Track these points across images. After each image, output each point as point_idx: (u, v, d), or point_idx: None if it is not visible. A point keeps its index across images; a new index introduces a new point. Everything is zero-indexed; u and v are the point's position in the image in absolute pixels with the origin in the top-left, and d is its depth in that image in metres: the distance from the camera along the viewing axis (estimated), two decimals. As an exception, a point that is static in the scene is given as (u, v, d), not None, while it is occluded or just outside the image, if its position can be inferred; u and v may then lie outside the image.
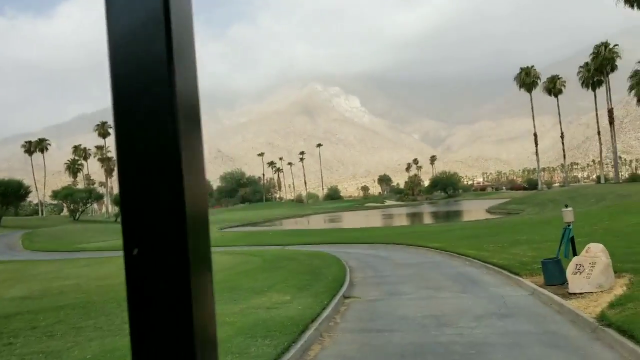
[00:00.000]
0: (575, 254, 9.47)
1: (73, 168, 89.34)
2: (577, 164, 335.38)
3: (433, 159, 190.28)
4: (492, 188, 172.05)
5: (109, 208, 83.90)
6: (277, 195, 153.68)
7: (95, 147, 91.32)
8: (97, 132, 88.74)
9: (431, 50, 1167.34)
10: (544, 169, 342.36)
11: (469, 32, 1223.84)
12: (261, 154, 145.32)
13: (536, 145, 66.02)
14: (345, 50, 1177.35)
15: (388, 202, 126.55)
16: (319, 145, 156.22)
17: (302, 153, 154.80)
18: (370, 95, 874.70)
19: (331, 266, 14.87)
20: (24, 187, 57.21)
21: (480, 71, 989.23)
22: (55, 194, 62.36)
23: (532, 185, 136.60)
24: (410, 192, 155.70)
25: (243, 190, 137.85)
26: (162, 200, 0.49)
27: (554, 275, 9.52)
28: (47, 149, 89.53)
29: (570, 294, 8.65)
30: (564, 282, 9.46)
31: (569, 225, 9.53)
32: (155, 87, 0.49)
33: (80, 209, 61.53)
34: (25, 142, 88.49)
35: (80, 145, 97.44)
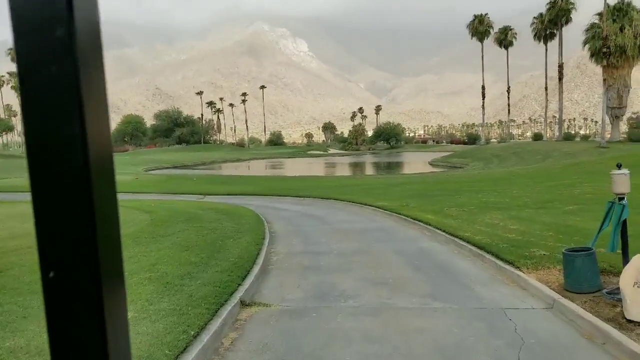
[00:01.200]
0: (627, 246, 5.80)
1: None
2: (514, 121, 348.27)
3: (378, 109, 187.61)
4: (433, 141, 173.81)
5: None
6: (217, 138, 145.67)
7: (8, 73, 79.13)
8: (9, 56, 76.39)
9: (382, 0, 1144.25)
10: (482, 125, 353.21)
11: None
12: (200, 93, 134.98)
13: (483, 99, 63.90)
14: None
15: (331, 151, 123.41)
16: (263, 87, 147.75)
17: (244, 94, 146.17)
18: (319, 41, 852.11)
19: (245, 233, 10.65)
20: None
21: (429, 25, 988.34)
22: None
23: (471, 139, 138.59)
24: (354, 141, 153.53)
25: (180, 130, 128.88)
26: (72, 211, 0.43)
27: (583, 276, 5.85)
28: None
29: (629, 321, 4.96)
30: (597, 288, 5.85)
31: (620, 199, 5.71)
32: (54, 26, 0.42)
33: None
34: None
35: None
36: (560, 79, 55.52)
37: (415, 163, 62.25)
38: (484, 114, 65.12)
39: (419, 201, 15.50)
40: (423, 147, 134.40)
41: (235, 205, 17.04)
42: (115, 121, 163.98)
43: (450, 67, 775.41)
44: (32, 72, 0.43)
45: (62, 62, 0.42)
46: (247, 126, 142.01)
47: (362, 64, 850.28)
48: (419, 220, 12.06)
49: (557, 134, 65.10)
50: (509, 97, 66.58)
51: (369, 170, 54.50)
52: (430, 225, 11.32)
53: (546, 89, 60.40)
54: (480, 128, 76.11)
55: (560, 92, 55.40)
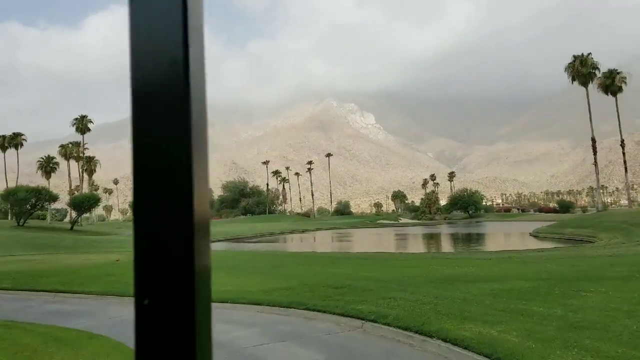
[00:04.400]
0: None
1: (47, 167, 78.69)
2: (605, 187, 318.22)
3: (451, 175, 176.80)
4: (518, 209, 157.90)
5: (71, 213, 72.44)
6: (282, 208, 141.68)
7: (70, 143, 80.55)
8: (75, 127, 78.35)
9: (447, 71, 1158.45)
10: (569, 192, 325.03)
11: (483, 54, 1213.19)
12: (266, 162, 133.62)
13: (594, 154, 52.92)
14: (362, 68, 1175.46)
15: (403, 220, 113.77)
16: (329, 155, 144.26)
17: (310, 162, 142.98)
18: (386, 113, 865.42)
19: None
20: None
21: (496, 93, 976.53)
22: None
23: (563, 207, 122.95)
24: (427, 209, 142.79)
25: (245, 200, 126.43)
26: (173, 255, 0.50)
27: None
28: (22, 144, 79.58)
29: None
30: None
31: None
32: (171, 89, 0.50)
33: (24, 212, 50.24)
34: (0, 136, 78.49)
35: (68, 144, 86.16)
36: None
37: (511, 235, 51.68)
38: (597, 172, 53.63)
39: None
40: (507, 217, 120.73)
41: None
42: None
43: (523, 135, 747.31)
44: (144, 130, 0.50)
45: (176, 123, 0.50)
46: (312, 195, 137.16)
47: (430, 134, 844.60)
48: None
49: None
50: (623, 148, 54.94)
51: (450, 243, 44.94)
52: None
53: (624, 154, 48.93)
54: (595, 192, 63.83)
55: None
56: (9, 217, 63.36)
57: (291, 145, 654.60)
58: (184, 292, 0.48)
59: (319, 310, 8.98)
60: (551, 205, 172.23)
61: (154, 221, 0.49)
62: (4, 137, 77.41)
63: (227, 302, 10.41)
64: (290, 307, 9.51)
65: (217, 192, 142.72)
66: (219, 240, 53.65)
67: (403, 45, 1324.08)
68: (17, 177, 74.71)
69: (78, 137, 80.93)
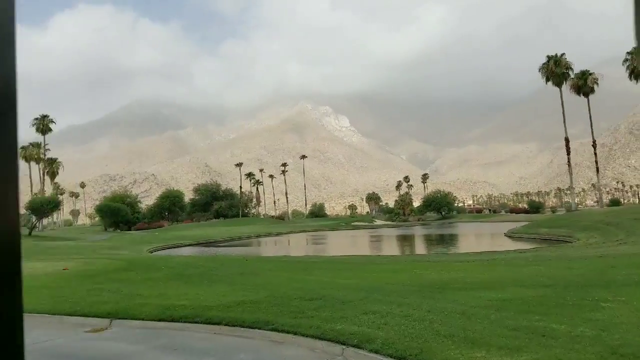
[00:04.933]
0: None
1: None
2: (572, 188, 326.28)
3: (425, 177, 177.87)
4: (489, 210, 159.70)
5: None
6: (256, 211, 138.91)
7: (31, 144, 76.28)
8: (35, 127, 74.25)
9: (420, 74, 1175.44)
10: (537, 193, 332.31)
11: (455, 59, 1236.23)
12: (239, 164, 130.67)
13: (568, 154, 53.01)
14: (337, 71, 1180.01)
15: (378, 222, 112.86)
16: (303, 157, 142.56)
17: (284, 164, 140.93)
18: (360, 116, 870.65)
19: None
20: None
21: (467, 97, 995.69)
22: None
23: (533, 208, 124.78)
24: (401, 211, 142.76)
25: (218, 204, 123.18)
26: None
27: None
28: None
29: None
30: None
31: None
32: None
33: None
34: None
35: (29, 145, 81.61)
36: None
37: (485, 235, 51.12)
38: (571, 173, 53.74)
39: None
40: (479, 217, 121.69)
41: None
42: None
43: (493, 138, 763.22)
44: None
45: None
46: (287, 198, 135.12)
47: (403, 136, 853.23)
48: None
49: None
50: (595, 148, 55.23)
51: (425, 246, 43.90)
52: None
53: (595, 155, 49.41)
54: (569, 191, 64.35)
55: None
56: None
57: (265, 148, 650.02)
58: None
59: (288, 332, 7.29)
60: (521, 206, 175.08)
61: None
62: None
63: (178, 320, 8.60)
64: (255, 327, 7.78)
65: (188, 195, 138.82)
66: (188, 245, 51.22)
67: (377, 49, 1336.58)
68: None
69: (41, 140, 76.84)
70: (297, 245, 51.68)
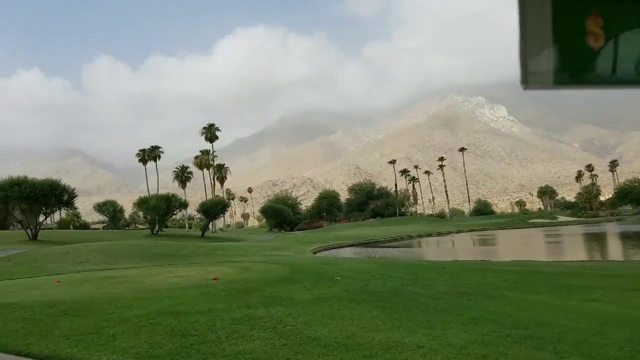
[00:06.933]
0: None
1: (182, 176, 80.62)
2: None
3: (614, 164, 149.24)
4: None
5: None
6: (414, 210, 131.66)
7: (201, 151, 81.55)
8: (203, 136, 79.31)
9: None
10: None
11: None
12: (392, 161, 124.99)
13: None
14: (486, 59, 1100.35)
15: (561, 219, 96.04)
16: (462, 149, 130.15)
17: (441, 159, 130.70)
18: (518, 104, 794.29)
19: None
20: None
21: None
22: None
23: None
24: (587, 205, 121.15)
25: (373, 203, 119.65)
26: None
27: None
28: (159, 157, 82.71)
29: None
30: None
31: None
32: None
33: (157, 220, 49.39)
34: (140, 150, 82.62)
35: (200, 153, 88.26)
36: None
37: None
38: None
39: None
40: None
41: None
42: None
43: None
44: None
45: None
46: (446, 194, 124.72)
47: (572, 122, 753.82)
48: None
49: None
50: None
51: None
52: None
53: None
54: None
55: None
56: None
57: (415, 146, 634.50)
58: None
59: None
60: None
61: None
62: (144, 150, 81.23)
63: None
64: None
65: (344, 195, 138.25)
66: (349, 245, 47.12)
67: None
68: (157, 189, 77.35)
69: (210, 148, 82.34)
70: (481, 246, 43.61)
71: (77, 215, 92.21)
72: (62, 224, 79.88)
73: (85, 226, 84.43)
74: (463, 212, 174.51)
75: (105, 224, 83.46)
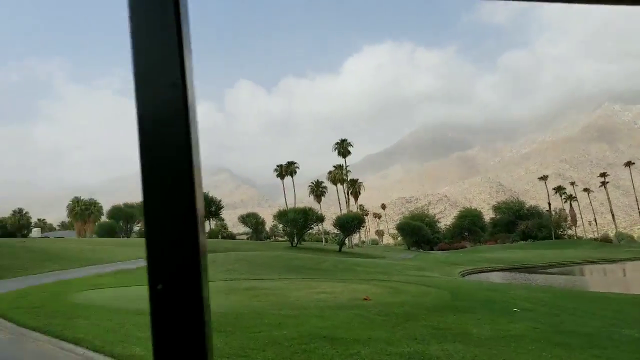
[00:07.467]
0: None
1: (317, 191, 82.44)
2: None
3: None
4: None
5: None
6: (572, 233, 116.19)
7: (334, 166, 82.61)
8: (336, 150, 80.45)
9: None
10: None
11: None
12: (544, 177, 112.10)
13: None
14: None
15: None
16: (629, 163, 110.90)
17: (603, 174, 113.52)
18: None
19: None
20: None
21: None
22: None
23: None
24: None
25: (524, 223, 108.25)
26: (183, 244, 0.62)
27: None
28: (295, 172, 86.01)
29: None
30: None
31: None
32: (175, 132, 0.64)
33: (296, 234, 50.36)
34: (277, 166, 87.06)
35: (334, 168, 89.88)
36: None
37: None
38: None
39: None
40: None
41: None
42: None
43: None
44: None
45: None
46: (612, 214, 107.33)
47: None
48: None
49: None
50: None
51: None
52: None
53: None
54: None
55: None
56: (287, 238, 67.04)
57: (566, 161, 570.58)
58: (191, 276, 0.60)
59: None
60: None
61: (163, 219, 0.61)
62: (281, 166, 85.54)
63: None
64: None
65: (486, 214, 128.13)
66: (501, 270, 42.05)
67: None
68: (295, 203, 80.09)
69: (343, 163, 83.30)
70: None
71: (225, 227, 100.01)
72: (212, 234, 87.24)
73: (232, 236, 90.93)
74: (632, 237, 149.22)
75: (248, 235, 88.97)
